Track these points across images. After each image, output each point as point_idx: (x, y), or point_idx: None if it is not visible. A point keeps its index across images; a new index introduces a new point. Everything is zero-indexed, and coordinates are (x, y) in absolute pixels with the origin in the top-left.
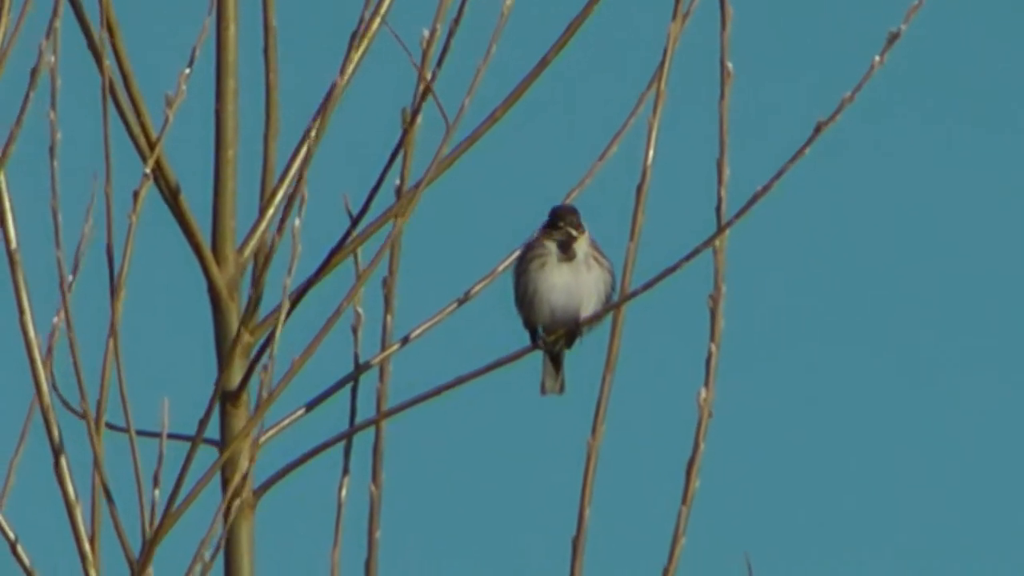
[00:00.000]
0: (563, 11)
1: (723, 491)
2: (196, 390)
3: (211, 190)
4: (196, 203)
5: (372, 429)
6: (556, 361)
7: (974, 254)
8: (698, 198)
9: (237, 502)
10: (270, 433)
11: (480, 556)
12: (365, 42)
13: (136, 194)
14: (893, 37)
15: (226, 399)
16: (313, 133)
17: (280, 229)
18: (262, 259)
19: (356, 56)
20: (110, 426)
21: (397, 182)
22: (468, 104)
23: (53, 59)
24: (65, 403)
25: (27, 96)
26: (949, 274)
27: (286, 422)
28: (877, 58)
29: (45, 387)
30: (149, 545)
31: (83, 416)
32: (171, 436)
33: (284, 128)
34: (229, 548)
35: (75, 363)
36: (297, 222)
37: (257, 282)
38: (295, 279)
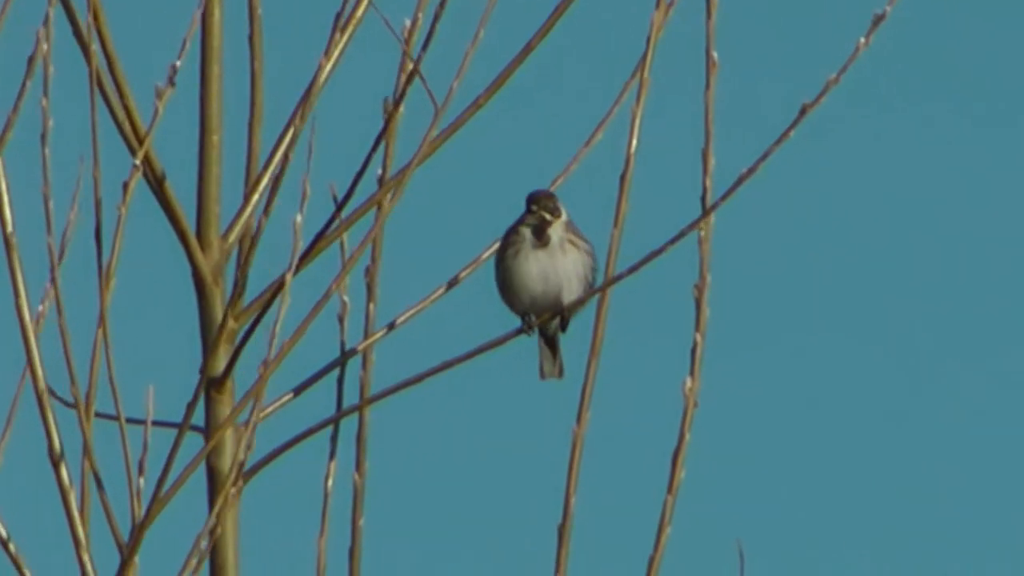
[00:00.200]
0: None
1: (709, 480)
2: (182, 377)
3: (196, 176)
4: (180, 189)
5: (356, 419)
6: (552, 345)
7: (962, 239)
8: (683, 186)
9: (233, 489)
10: (257, 420)
11: (465, 544)
12: (351, 27)
13: (125, 185)
14: (878, 19)
15: (211, 386)
16: (299, 116)
17: (266, 211)
18: (247, 244)
19: (342, 40)
20: (98, 414)
21: (379, 171)
22: (456, 87)
23: (46, 47)
24: (52, 392)
25: (24, 84)
26: (936, 260)
27: (271, 409)
28: (862, 40)
29: (40, 372)
30: (138, 530)
31: (73, 405)
32: (156, 423)
33: (269, 116)
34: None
35: (66, 351)
36: (299, 218)
37: (243, 267)
38: (280, 266)
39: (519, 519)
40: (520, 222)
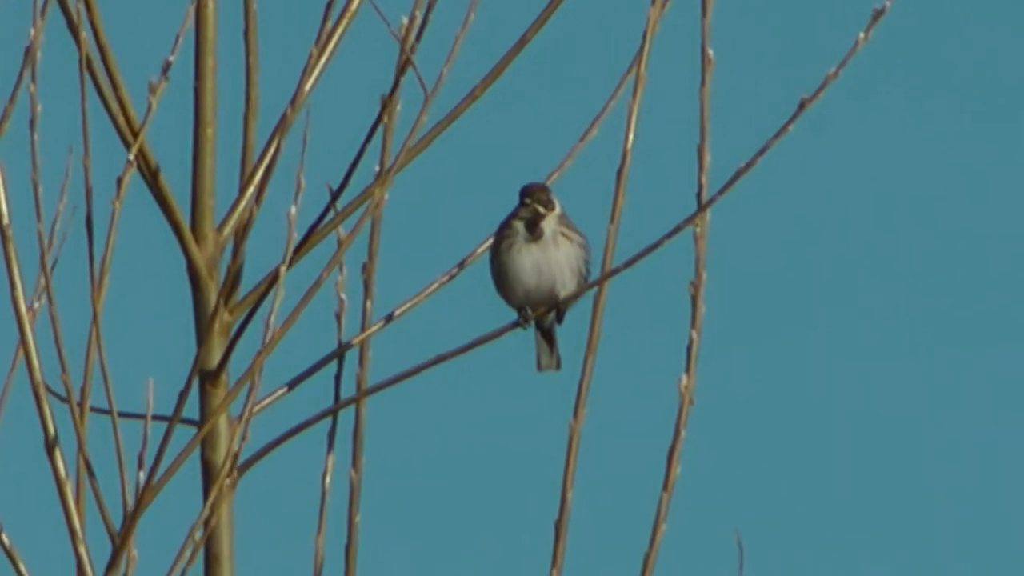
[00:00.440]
0: None
1: (704, 477)
2: (178, 370)
3: (190, 168)
4: (174, 181)
5: (353, 416)
6: (548, 338)
7: (960, 234)
8: (679, 182)
9: (227, 481)
10: (251, 411)
11: (461, 538)
12: (346, 19)
13: (119, 180)
14: (878, 14)
15: (205, 378)
16: (290, 107)
17: (258, 200)
18: (240, 233)
19: (336, 32)
20: (93, 409)
21: (376, 163)
22: (447, 72)
23: (34, 33)
24: (48, 387)
25: (21, 74)
26: (934, 255)
27: (266, 402)
28: (862, 35)
29: (36, 365)
30: (130, 519)
31: (65, 398)
32: (154, 417)
33: (264, 109)
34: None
35: (56, 341)
36: (293, 210)
37: (235, 254)
38: (276, 259)
39: (516, 514)
40: (514, 215)
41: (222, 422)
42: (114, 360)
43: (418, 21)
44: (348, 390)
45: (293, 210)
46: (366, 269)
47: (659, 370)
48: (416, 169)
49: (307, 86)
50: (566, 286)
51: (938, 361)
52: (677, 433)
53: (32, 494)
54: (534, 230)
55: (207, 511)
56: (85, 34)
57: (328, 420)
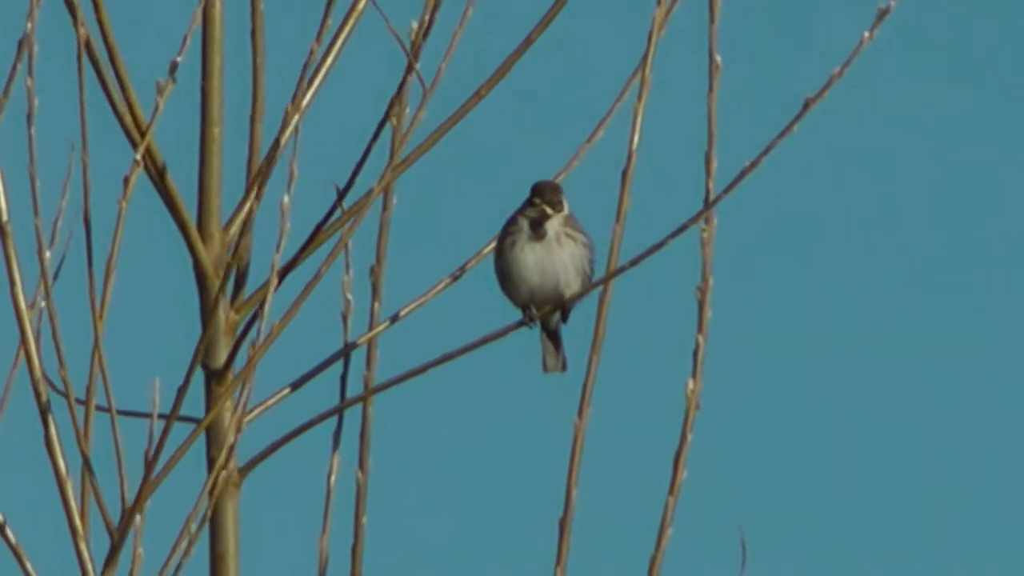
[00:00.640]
0: None
1: (710, 480)
2: (183, 369)
3: (197, 168)
4: (181, 181)
5: (360, 417)
6: (554, 339)
7: (968, 233)
8: (685, 183)
9: (223, 475)
10: (256, 411)
11: (467, 537)
12: (352, 19)
13: (126, 180)
14: (883, 13)
15: (211, 378)
16: (291, 105)
17: (258, 196)
18: (244, 229)
19: (347, 27)
20: (98, 407)
21: (383, 163)
22: (444, 68)
23: (30, 26)
24: (50, 383)
25: (14, 67)
26: (942, 257)
27: (271, 401)
28: (866, 34)
29: (37, 362)
30: (128, 513)
31: (63, 392)
32: (160, 416)
33: (270, 109)
34: (215, 526)
35: (56, 344)
36: (286, 199)
37: (237, 252)
38: (283, 257)
39: (520, 512)
40: (520, 212)
41: (226, 420)
42: (121, 359)
43: (426, 24)
44: (354, 391)
45: (286, 199)
46: (374, 272)
47: (664, 370)
48: (421, 169)
49: (306, 81)
50: (570, 285)
51: (947, 365)
52: (683, 437)
53: (32, 494)
54: (538, 229)
55: (205, 500)
56: (83, 29)
57: (334, 420)
